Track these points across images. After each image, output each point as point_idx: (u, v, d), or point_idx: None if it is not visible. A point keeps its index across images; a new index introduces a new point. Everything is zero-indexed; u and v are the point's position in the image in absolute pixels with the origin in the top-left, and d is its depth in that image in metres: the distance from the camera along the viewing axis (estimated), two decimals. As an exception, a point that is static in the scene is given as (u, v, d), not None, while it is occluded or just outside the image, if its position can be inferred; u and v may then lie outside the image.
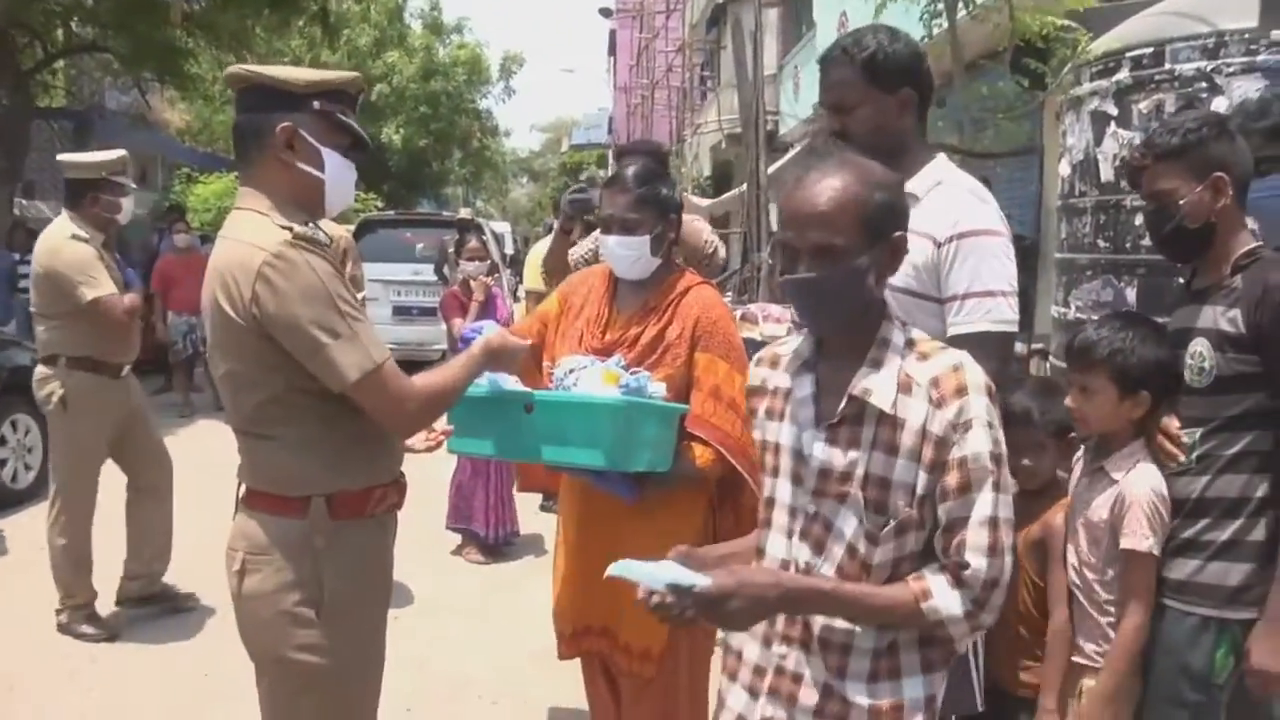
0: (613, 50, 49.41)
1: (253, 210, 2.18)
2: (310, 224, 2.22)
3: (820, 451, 1.82)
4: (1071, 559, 2.52)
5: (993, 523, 1.73)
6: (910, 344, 1.82)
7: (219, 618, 4.53)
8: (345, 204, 2.43)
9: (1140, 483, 2.35)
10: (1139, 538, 2.31)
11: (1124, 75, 4.50)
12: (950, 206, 2.36)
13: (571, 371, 2.74)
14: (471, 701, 4.17)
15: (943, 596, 1.74)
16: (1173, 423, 2.40)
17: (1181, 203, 2.31)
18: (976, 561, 1.72)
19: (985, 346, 2.18)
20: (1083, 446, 2.55)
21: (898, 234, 1.80)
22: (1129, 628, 2.33)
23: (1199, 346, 2.31)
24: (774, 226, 11.91)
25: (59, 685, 4.27)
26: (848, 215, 1.73)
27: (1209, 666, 2.29)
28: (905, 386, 1.76)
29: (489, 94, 35.32)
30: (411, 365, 8.69)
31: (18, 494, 7.03)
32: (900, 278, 2.23)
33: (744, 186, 11.65)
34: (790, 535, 1.88)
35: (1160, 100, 4.30)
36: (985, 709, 2.50)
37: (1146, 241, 4.53)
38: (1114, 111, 4.55)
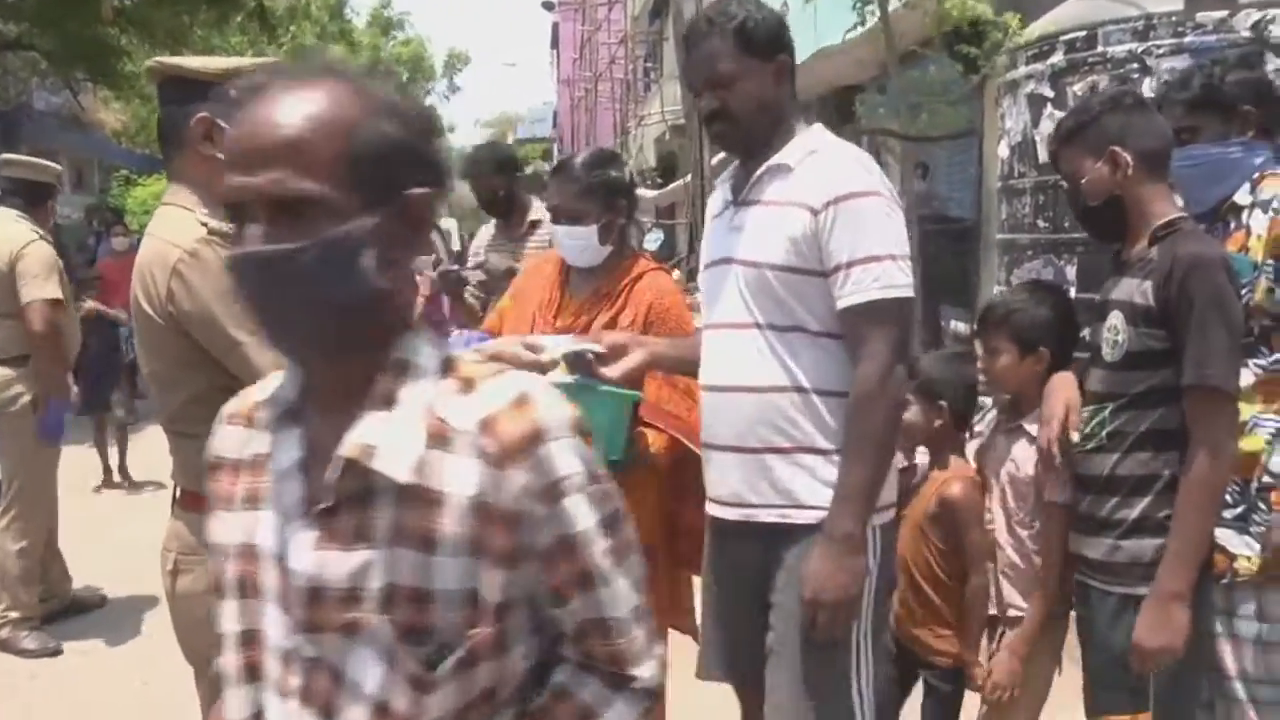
0: (555, 44, 49.20)
1: (177, 205, 2.15)
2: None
3: (308, 559, 1.15)
4: (999, 518, 2.63)
5: (639, 612, 1.22)
6: (447, 367, 1.20)
7: (158, 624, 4.47)
8: None
9: None
10: (1054, 490, 2.44)
11: (1058, 58, 4.58)
12: (825, 172, 2.24)
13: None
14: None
15: (616, 714, 1.21)
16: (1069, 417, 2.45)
17: (1083, 181, 2.33)
18: (646, 671, 1.22)
19: (879, 316, 2.15)
20: (994, 408, 2.70)
21: (418, 191, 1.16)
22: (1045, 572, 2.50)
23: (1114, 319, 2.30)
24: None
25: (22, 692, 4.19)
26: (329, 149, 1.09)
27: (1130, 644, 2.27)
28: (439, 437, 1.13)
29: (432, 91, 35.13)
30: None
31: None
32: (780, 254, 2.22)
33: (689, 177, 11.68)
34: (285, 696, 1.20)
35: (1094, 82, 4.38)
36: (898, 676, 2.76)
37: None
38: (1050, 94, 4.63)
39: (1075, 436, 2.37)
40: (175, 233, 2.06)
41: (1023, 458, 2.56)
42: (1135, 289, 2.25)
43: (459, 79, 35.93)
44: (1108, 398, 2.31)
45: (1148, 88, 4.15)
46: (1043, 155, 4.75)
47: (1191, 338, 2.14)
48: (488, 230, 5.01)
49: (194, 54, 15.03)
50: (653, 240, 17.24)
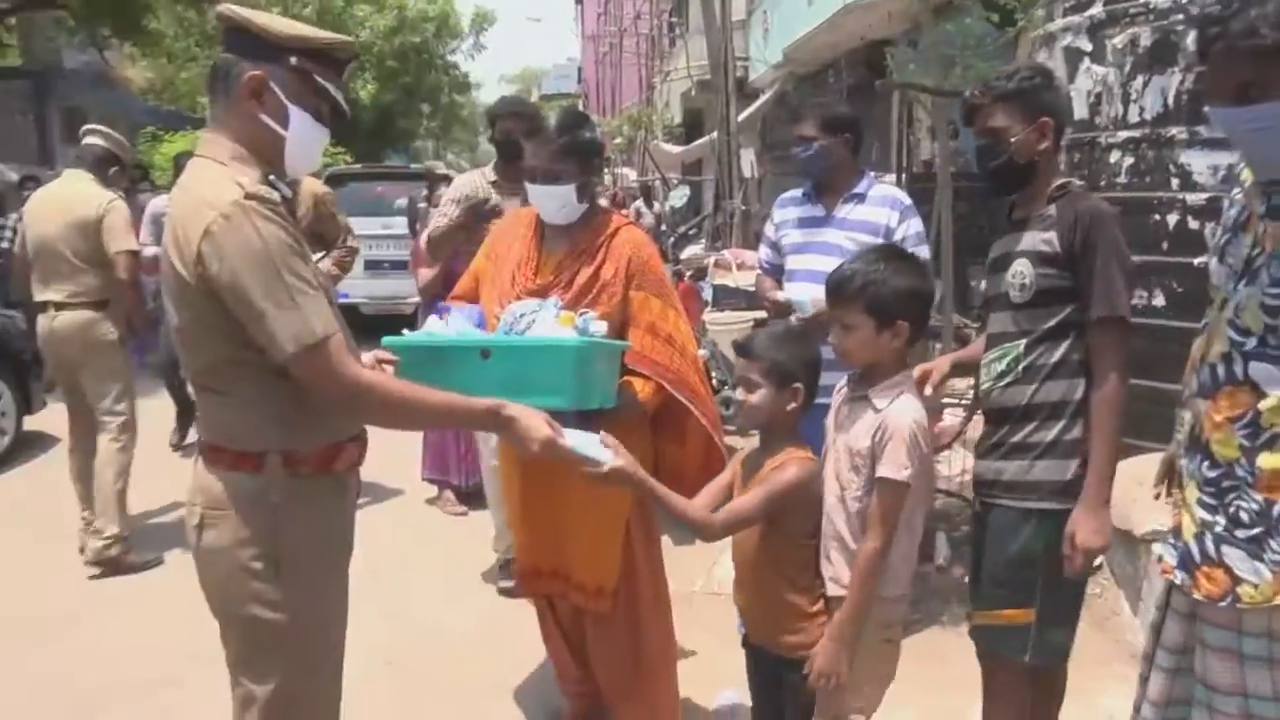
0: (580, -1, 48.75)
1: (211, 159, 2.10)
2: (270, 179, 2.14)
3: None
4: (831, 488, 2.51)
5: None
6: None
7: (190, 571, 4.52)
8: (309, 168, 2.36)
9: (903, 414, 2.42)
10: (896, 467, 2.37)
11: (1097, 10, 4.47)
12: None
13: (522, 316, 2.80)
14: (453, 651, 4.16)
15: None
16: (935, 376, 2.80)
17: (1012, 140, 2.59)
18: None
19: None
20: (846, 376, 2.63)
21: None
22: (869, 549, 2.38)
23: (1020, 266, 2.59)
24: (745, 173, 11.84)
25: (37, 647, 4.25)
26: None
27: (1027, 549, 2.57)
28: None
29: (458, 49, 34.92)
30: (386, 319, 8.69)
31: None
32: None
33: (715, 133, 11.56)
34: None
35: (1135, 34, 4.27)
36: (753, 676, 2.74)
37: (1121, 179, 4.54)
38: (1087, 47, 4.52)
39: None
40: (211, 191, 2.02)
41: (862, 430, 2.44)
42: (1039, 239, 2.57)
43: (484, 38, 35.43)
44: (1020, 335, 2.61)
45: (1194, 40, 4.06)
46: (1079, 111, 4.65)
47: (1098, 278, 2.48)
48: (478, 177, 4.83)
49: (218, 11, 15.05)
50: (679, 197, 17.14)
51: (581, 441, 2.32)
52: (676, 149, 20.77)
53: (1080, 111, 4.62)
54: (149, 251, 6.51)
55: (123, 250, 5.09)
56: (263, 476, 2.11)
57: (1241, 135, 2.06)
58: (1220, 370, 2.10)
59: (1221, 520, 2.09)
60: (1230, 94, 1.99)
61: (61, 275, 5.08)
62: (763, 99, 16.68)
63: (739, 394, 2.55)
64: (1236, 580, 2.07)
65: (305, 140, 2.20)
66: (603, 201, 3.34)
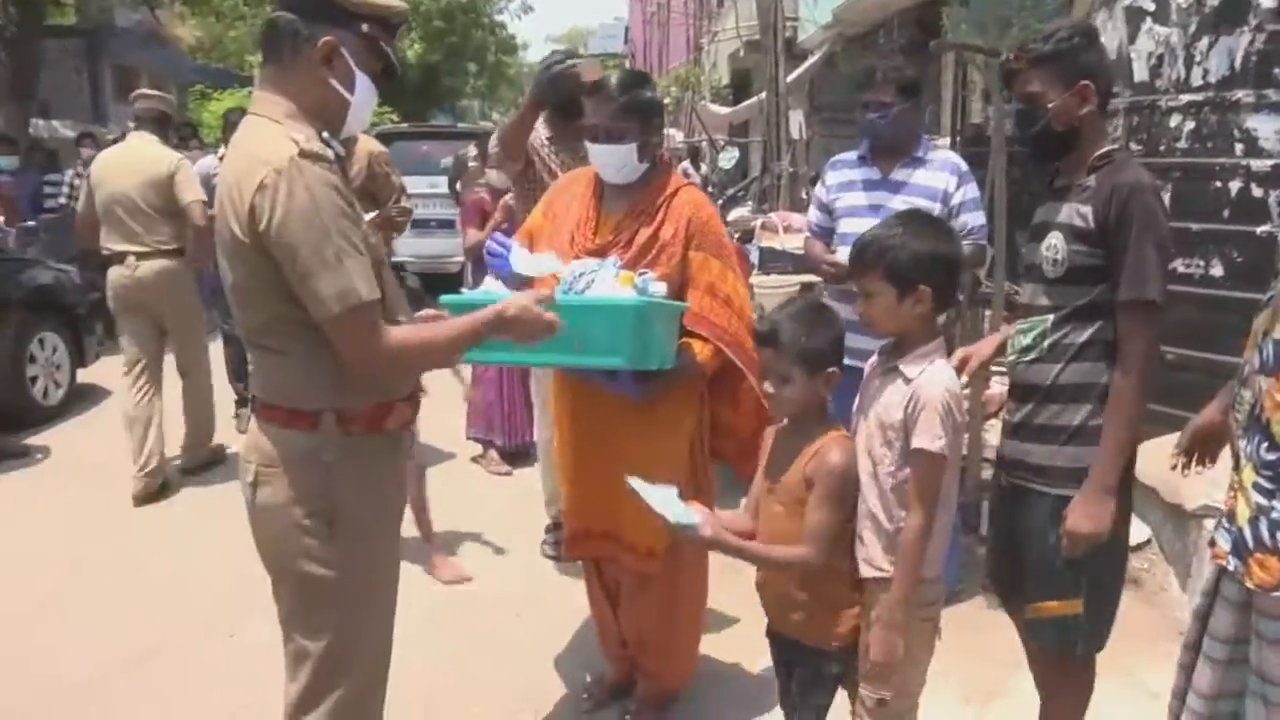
0: (629, -43, 48.29)
1: (267, 118, 2.10)
2: (324, 137, 2.13)
3: None
4: (864, 464, 2.41)
5: None
6: None
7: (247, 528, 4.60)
8: (361, 127, 2.37)
9: (934, 383, 2.32)
10: (930, 438, 2.28)
11: (1162, -33, 4.34)
12: None
13: (581, 275, 2.79)
14: (493, 613, 4.19)
15: None
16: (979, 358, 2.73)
17: (1050, 106, 2.48)
18: None
19: None
20: (879, 348, 2.52)
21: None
22: (913, 526, 2.30)
23: (1054, 239, 2.50)
24: (794, 134, 11.71)
25: (89, 596, 4.35)
26: None
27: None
28: None
29: (505, 9, 34.71)
30: (430, 278, 8.66)
31: (49, 410, 7.12)
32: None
33: (763, 94, 11.42)
34: None
35: (1202, -9, 4.15)
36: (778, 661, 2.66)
37: (1182, 144, 4.43)
38: (1150, 6, 4.40)
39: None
40: (266, 148, 2.01)
41: (894, 402, 2.34)
42: (1075, 212, 2.46)
43: (531, -1, 35.13)
44: (1049, 310, 2.52)
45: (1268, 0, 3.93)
46: (1139, 73, 4.54)
47: (1129, 256, 2.36)
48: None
49: (269, -30, 15.06)
50: (727, 159, 16.99)
51: (661, 500, 2.35)
52: (724, 110, 20.56)
53: (1140, 74, 4.51)
54: None
55: (196, 200, 5.61)
56: (317, 435, 2.13)
57: None
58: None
59: (1279, 505, 2.03)
60: None
61: (140, 228, 5.59)
62: (811, 60, 16.44)
63: (768, 387, 2.45)
64: None
65: (364, 102, 2.22)
66: None
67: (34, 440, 6.61)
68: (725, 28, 23.47)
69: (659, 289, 2.79)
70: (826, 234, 3.96)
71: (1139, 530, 4.04)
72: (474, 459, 6.14)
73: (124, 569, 4.62)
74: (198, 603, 4.24)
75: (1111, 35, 4.66)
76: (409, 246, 11.10)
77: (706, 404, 3.13)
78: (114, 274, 5.63)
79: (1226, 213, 4.27)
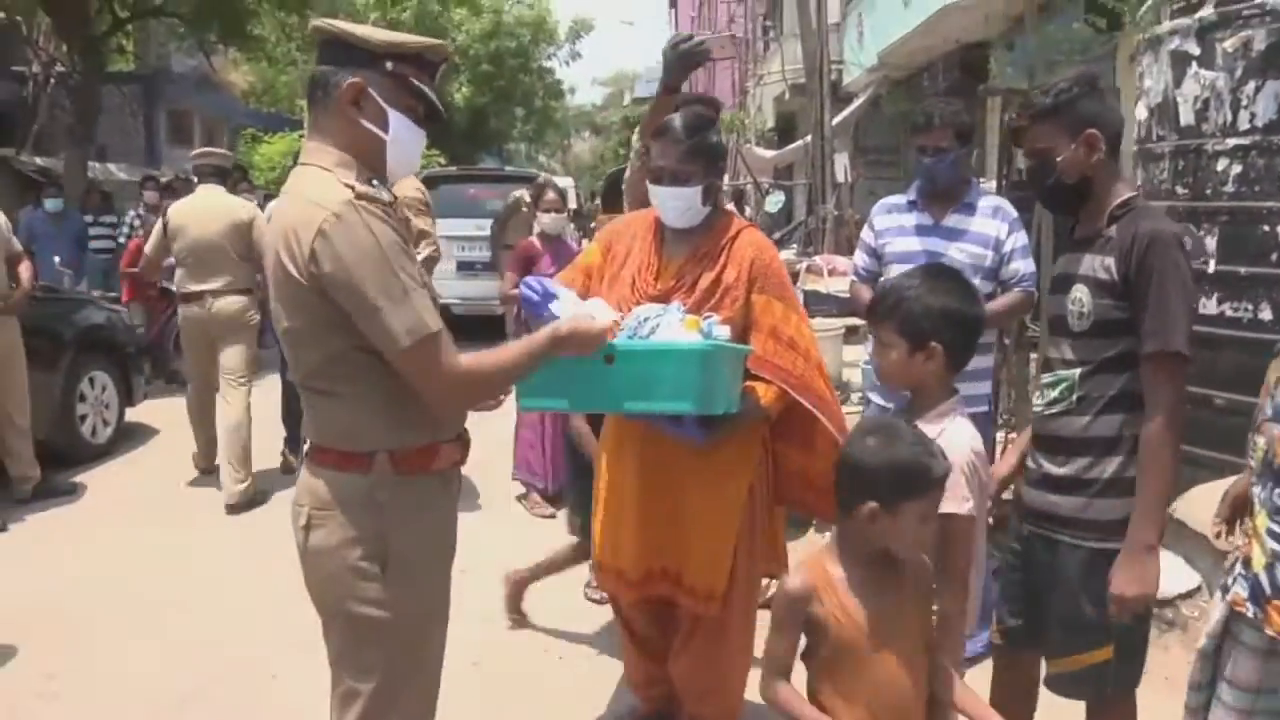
0: (674, 2, 48.79)
1: (317, 166, 2.16)
2: (374, 182, 2.18)
3: None
4: None
5: None
6: None
7: (293, 567, 4.63)
8: (410, 170, 2.39)
9: (956, 444, 2.28)
10: (958, 500, 2.24)
11: (1208, 11, 4.33)
12: None
13: (646, 320, 2.77)
14: (539, 655, 4.19)
15: None
16: None
17: (1059, 159, 2.48)
18: None
19: None
20: (894, 406, 2.53)
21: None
22: (956, 609, 2.27)
23: (1079, 293, 2.48)
24: (839, 177, 11.73)
25: (133, 632, 4.39)
26: None
27: (1101, 591, 2.42)
28: None
29: (554, 55, 35.16)
30: (475, 320, 8.74)
31: (97, 448, 7.22)
32: None
33: (808, 138, 11.48)
34: None
35: (1248, 37, 4.12)
36: None
37: (1229, 188, 4.39)
38: (1196, 51, 4.38)
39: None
40: (320, 194, 2.07)
41: None
42: (1098, 264, 2.45)
43: (580, 46, 35.54)
44: (1076, 364, 2.50)
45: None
46: (1185, 117, 4.52)
47: (1152, 307, 2.34)
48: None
49: (320, 16, 15.36)
50: (774, 203, 17.03)
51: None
52: (769, 153, 20.64)
53: (1186, 118, 4.49)
54: None
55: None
56: (371, 476, 2.15)
57: None
58: None
59: None
60: None
61: (220, 269, 6.22)
62: (857, 103, 16.50)
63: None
64: None
65: (405, 142, 2.24)
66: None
67: (81, 478, 6.70)
68: (770, 71, 23.63)
69: (723, 332, 2.76)
70: (873, 278, 3.90)
71: (1189, 577, 3.96)
72: (518, 499, 6.16)
73: (168, 607, 4.66)
74: (241, 643, 4.27)
75: (1157, 79, 4.65)
76: (453, 288, 11.24)
77: (769, 448, 3.11)
78: (190, 311, 6.27)
79: (1275, 256, 4.22)
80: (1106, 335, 2.44)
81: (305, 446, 2.30)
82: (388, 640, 2.20)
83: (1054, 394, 2.54)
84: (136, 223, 10.34)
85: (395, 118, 2.21)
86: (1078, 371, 2.49)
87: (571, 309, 2.66)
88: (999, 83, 6.39)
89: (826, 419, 2.96)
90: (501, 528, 5.66)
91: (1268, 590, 2.06)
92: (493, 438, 6.87)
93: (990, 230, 3.72)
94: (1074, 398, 2.50)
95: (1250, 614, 2.10)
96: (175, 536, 5.59)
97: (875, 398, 3.90)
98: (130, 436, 7.71)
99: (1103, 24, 5.90)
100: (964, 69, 11.82)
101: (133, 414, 7.79)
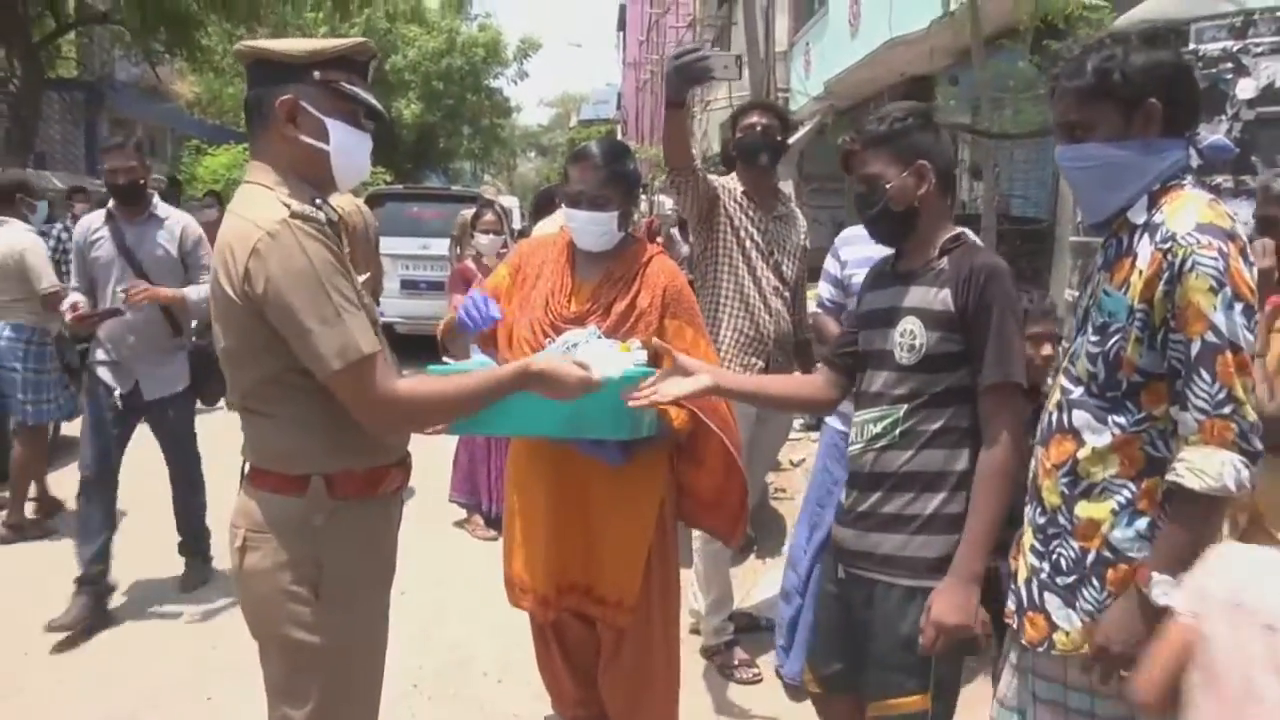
0: (623, 25, 49.16)
1: (259, 184, 2.14)
2: (317, 200, 2.16)
3: None
4: None
5: None
6: None
7: (228, 590, 4.56)
8: (359, 176, 2.34)
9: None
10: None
11: (1146, 56, 4.44)
12: None
13: (575, 345, 2.82)
14: (477, 678, 4.16)
15: None
16: None
17: (888, 187, 2.47)
18: None
19: None
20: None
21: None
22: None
23: (910, 325, 2.44)
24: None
25: (67, 657, 4.29)
26: None
27: (915, 631, 2.38)
28: None
29: (502, 74, 35.18)
30: (418, 339, 8.68)
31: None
32: None
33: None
34: None
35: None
36: None
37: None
38: (1136, 92, 4.49)
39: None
40: (257, 212, 2.05)
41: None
42: (932, 296, 2.43)
43: (528, 65, 35.59)
44: (903, 399, 2.45)
45: (1244, 89, 4.02)
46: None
47: (993, 340, 2.34)
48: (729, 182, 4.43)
49: (270, 31, 15.21)
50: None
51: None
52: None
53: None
54: None
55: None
56: (305, 499, 2.13)
57: (1071, 173, 2.18)
58: (1053, 418, 2.21)
59: (1046, 566, 2.17)
60: (1064, 133, 2.13)
61: None
62: (802, 130, 16.68)
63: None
64: (1053, 626, 2.14)
65: (349, 149, 2.21)
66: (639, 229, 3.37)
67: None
68: (717, 97, 23.80)
69: (641, 357, 2.81)
70: (839, 309, 3.85)
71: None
72: (457, 523, 6.11)
73: (100, 629, 4.56)
74: (176, 664, 4.19)
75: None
76: (397, 307, 11.15)
77: (674, 467, 3.20)
78: None
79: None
80: (938, 369, 2.41)
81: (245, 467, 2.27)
82: (321, 666, 2.18)
83: (876, 429, 2.50)
84: (65, 235, 10.11)
85: (334, 126, 2.17)
86: (904, 407, 2.45)
87: (586, 355, 2.66)
88: (943, 116, 6.49)
89: (730, 441, 3.06)
90: (440, 548, 5.62)
91: (1025, 603, 2.20)
92: (430, 458, 6.83)
93: None
94: (898, 432, 2.46)
95: (1015, 625, 2.24)
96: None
97: (834, 423, 3.90)
98: (66, 449, 7.52)
99: (1046, 64, 6.01)
100: (910, 101, 12.00)
101: (69, 428, 7.60)
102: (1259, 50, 4.01)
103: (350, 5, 16.83)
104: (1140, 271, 2.00)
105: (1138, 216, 2.06)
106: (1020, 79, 6.51)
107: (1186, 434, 1.95)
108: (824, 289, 4.02)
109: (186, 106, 27.20)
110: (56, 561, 5.01)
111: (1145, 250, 2.00)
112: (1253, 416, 1.91)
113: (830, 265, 3.99)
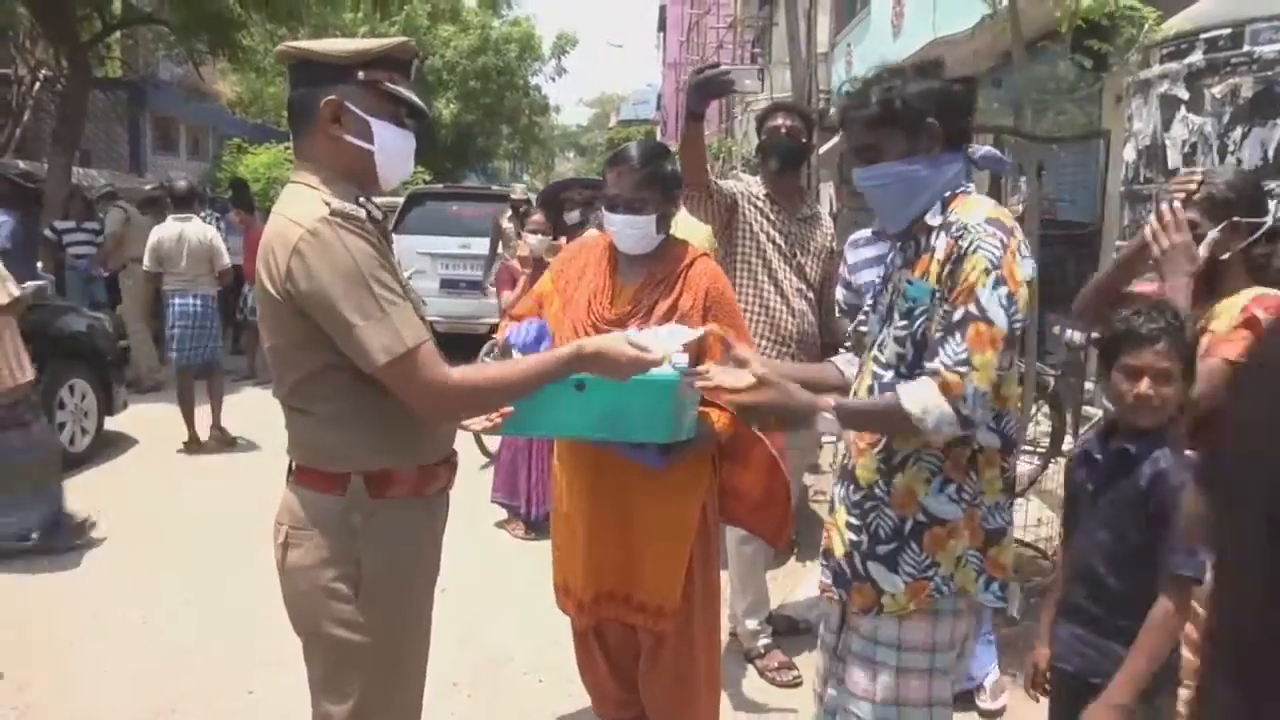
0: (663, 26, 49.13)
1: (303, 184, 2.15)
2: (359, 199, 2.17)
3: None
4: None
5: None
6: None
7: (272, 585, 4.59)
8: (403, 175, 2.34)
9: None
10: None
11: (1197, 58, 4.38)
12: None
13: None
14: (516, 677, 4.17)
15: None
16: None
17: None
18: None
19: None
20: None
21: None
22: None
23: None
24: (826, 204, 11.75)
25: (112, 650, 4.34)
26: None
27: None
28: None
29: (540, 71, 35.28)
30: (458, 338, 8.75)
31: (76, 457, 7.12)
32: None
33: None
34: None
35: (1236, 84, 4.18)
36: None
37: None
38: (1185, 95, 4.43)
39: None
40: (299, 211, 2.06)
41: None
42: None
43: (565, 61, 35.61)
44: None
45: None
46: (1173, 160, 4.57)
47: None
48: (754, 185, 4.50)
49: (310, 31, 15.32)
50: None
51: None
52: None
53: (1174, 160, 4.54)
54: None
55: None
56: (345, 498, 2.14)
57: (870, 191, 2.38)
58: None
59: (865, 538, 2.34)
60: (859, 157, 2.35)
61: None
62: (843, 133, 16.63)
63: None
64: (880, 592, 2.32)
65: (393, 148, 2.22)
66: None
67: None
68: (759, 98, 23.77)
69: (682, 360, 2.81)
70: (853, 311, 3.85)
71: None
72: (498, 524, 6.13)
73: (144, 619, 4.62)
74: (217, 658, 4.23)
75: (1147, 122, 4.70)
76: (437, 306, 11.19)
77: (718, 469, 3.18)
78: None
79: (1260, 300, 4.27)
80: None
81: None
82: (362, 664, 2.19)
83: None
84: (222, 226, 10.69)
85: (379, 126, 2.18)
86: None
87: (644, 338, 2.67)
88: (986, 119, 6.43)
89: (770, 443, 3.08)
90: (481, 548, 5.64)
91: (848, 575, 2.38)
92: (475, 456, 6.86)
93: None
94: None
95: (837, 597, 2.42)
96: (152, 548, 5.54)
97: None
98: (110, 444, 7.64)
99: (1089, 64, 5.95)
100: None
101: (112, 423, 7.72)
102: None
103: (390, 4, 16.92)
104: (939, 261, 2.22)
105: (934, 219, 2.29)
106: (1062, 80, 6.44)
107: (925, 373, 2.18)
108: (838, 292, 4.10)
109: (228, 106, 27.49)
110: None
111: (942, 243, 2.23)
112: (983, 386, 2.12)
113: (841, 269, 4.06)
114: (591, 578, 3.15)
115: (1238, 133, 4.21)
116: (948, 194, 2.30)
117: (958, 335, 2.14)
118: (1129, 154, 4.89)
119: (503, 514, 6.14)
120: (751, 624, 4.26)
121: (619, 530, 3.07)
